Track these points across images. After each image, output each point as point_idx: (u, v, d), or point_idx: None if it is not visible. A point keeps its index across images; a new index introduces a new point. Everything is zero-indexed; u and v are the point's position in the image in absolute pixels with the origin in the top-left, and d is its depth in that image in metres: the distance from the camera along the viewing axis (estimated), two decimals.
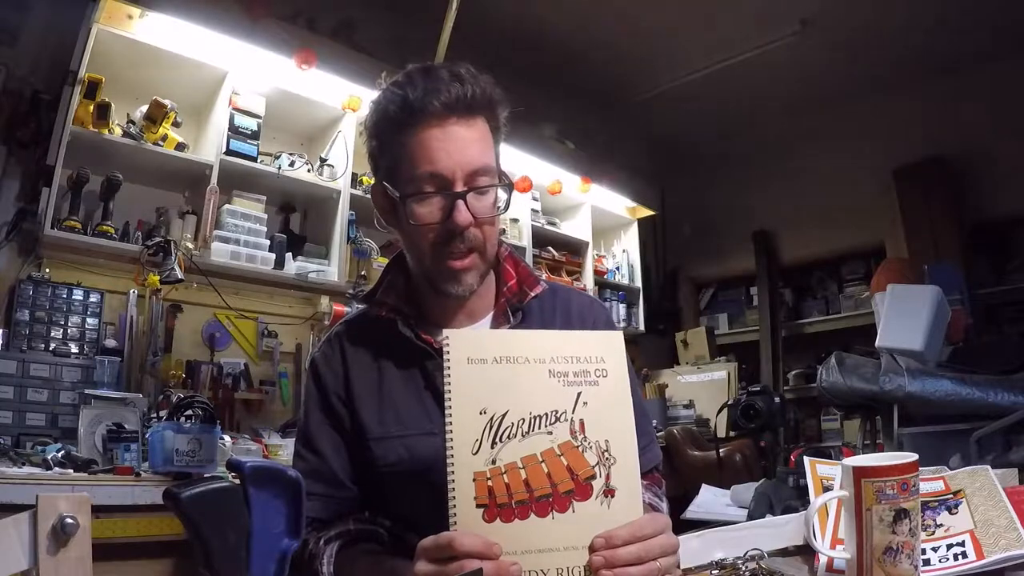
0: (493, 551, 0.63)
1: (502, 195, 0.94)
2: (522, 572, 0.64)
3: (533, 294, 1.00)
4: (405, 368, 0.96)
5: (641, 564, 0.66)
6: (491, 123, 0.93)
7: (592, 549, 0.66)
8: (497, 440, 0.66)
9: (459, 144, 0.88)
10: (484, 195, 0.91)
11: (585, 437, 0.68)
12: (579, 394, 0.69)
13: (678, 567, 0.74)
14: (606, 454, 0.69)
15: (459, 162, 0.88)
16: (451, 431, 0.66)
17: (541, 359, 0.69)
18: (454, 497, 0.65)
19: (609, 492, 0.68)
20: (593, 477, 0.68)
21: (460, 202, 0.88)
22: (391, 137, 0.91)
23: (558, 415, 0.68)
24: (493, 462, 0.66)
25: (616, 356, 0.72)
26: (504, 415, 0.67)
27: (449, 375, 0.67)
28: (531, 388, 0.68)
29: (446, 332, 0.68)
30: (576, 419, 0.68)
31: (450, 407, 0.66)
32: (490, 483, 0.65)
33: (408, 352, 0.96)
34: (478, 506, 0.65)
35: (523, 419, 0.67)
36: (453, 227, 0.88)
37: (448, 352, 0.67)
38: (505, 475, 0.66)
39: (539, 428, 0.67)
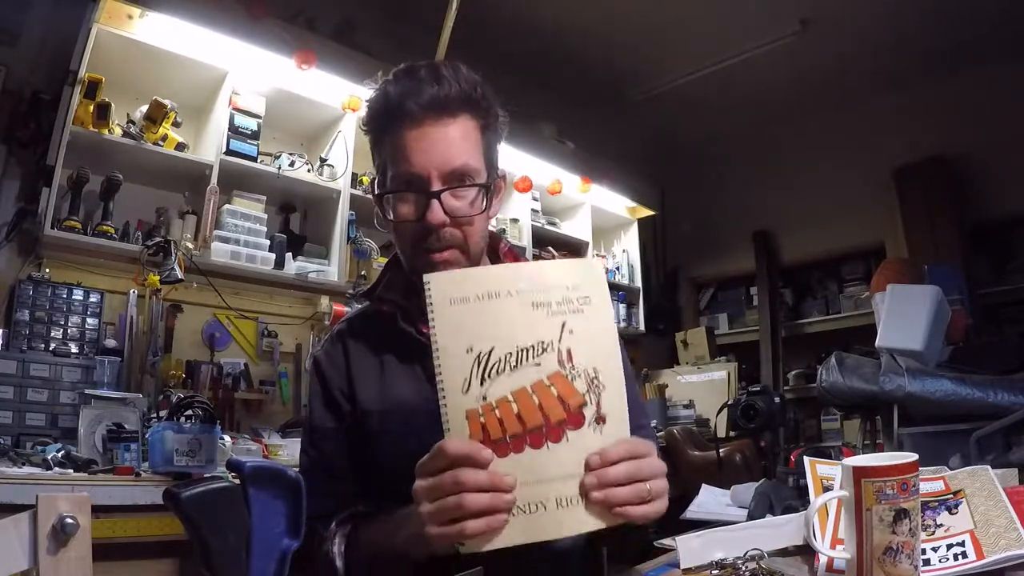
0: (482, 455, 0.64)
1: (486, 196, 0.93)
2: (525, 505, 0.65)
3: None
4: (406, 363, 0.98)
5: (632, 483, 0.68)
6: (479, 120, 0.93)
7: (587, 467, 0.67)
8: (486, 377, 0.66)
9: (434, 144, 0.89)
10: (463, 194, 0.91)
11: (573, 366, 0.68)
12: (564, 323, 0.68)
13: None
14: (595, 381, 0.69)
15: (434, 162, 0.88)
16: (440, 374, 0.66)
17: (521, 290, 0.68)
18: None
19: (600, 419, 0.69)
20: (584, 404, 0.68)
21: (435, 201, 0.88)
22: (378, 137, 0.95)
23: (544, 346, 0.68)
24: (484, 398, 0.66)
25: (596, 283, 0.71)
26: (491, 351, 0.66)
27: (433, 318, 0.67)
28: (515, 321, 0.68)
29: (426, 277, 0.68)
30: (563, 348, 0.68)
31: (437, 350, 0.66)
32: (483, 420, 0.66)
33: (409, 347, 0.97)
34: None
35: (510, 353, 0.67)
36: (427, 225, 0.89)
37: (430, 296, 0.67)
38: (497, 410, 0.66)
39: (527, 361, 0.67)
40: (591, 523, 0.67)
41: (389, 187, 0.92)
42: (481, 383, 0.66)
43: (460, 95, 0.90)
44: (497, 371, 0.66)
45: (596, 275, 0.72)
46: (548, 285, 0.69)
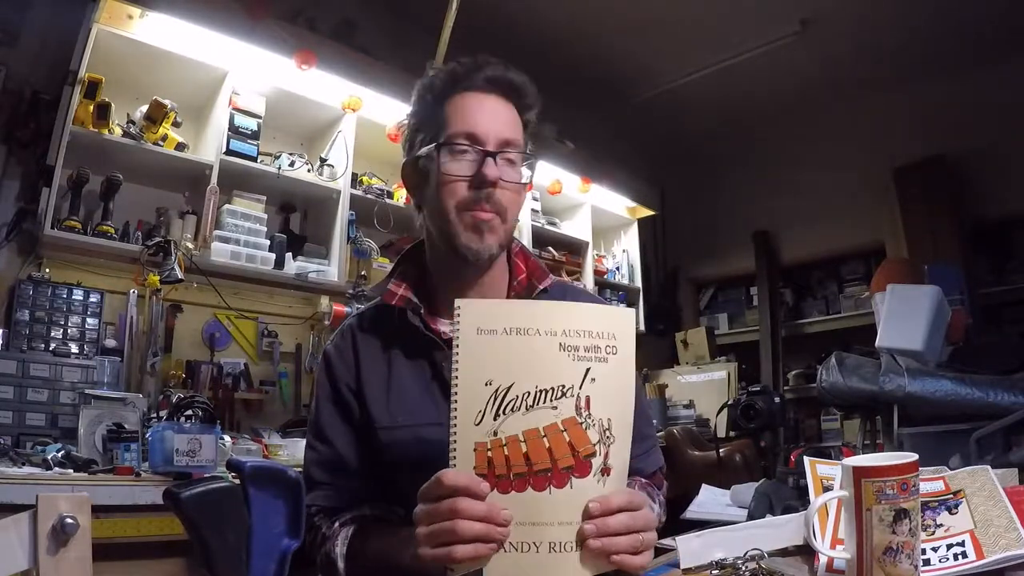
0: (479, 488, 0.65)
1: (526, 172, 0.99)
2: (517, 544, 0.65)
3: (542, 287, 1.03)
4: (413, 358, 0.98)
5: (629, 534, 0.68)
6: (523, 116, 1.01)
7: (587, 513, 0.67)
8: (500, 412, 0.66)
9: (495, 114, 0.96)
10: (512, 164, 0.96)
11: (590, 414, 0.67)
12: (588, 370, 0.68)
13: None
14: (607, 432, 0.68)
15: (493, 128, 0.95)
16: (455, 402, 0.66)
17: (552, 331, 0.67)
18: (454, 466, 0.66)
19: (606, 470, 0.68)
20: (593, 455, 0.68)
21: (490, 159, 0.93)
22: (434, 108, 0.98)
23: (564, 390, 0.67)
24: (494, 434, 0.66)
25: (627, 333, 0.71)
26: (509, 388, 0.66)
27: (458, 344, 0.66)
28: (540, 361, 0.67)
29: (457, 301, 0.67)
30: (583, 395, 0.67)
31: (456, 376, 0.66)
32: (490, 454, 0.66)
33: (417, 343, 0.98)
34: (476, 475, 0.66)
35: (528, 392, 0.66)
36: (482, 179, 0.92)
37: (458, 321, 0.67)
38: (506, 447, 0.66)
39: (544, 402, 0.67)
40: (582, 570, 0.67)
41: (446, 142, 0.95)
42: (495, 418, 0.66)
43: (520, 86, 1.00)
44: (512, 408, 0.66)
45: (628, 325, 0.72)
46: (579, 329, 0.68)
